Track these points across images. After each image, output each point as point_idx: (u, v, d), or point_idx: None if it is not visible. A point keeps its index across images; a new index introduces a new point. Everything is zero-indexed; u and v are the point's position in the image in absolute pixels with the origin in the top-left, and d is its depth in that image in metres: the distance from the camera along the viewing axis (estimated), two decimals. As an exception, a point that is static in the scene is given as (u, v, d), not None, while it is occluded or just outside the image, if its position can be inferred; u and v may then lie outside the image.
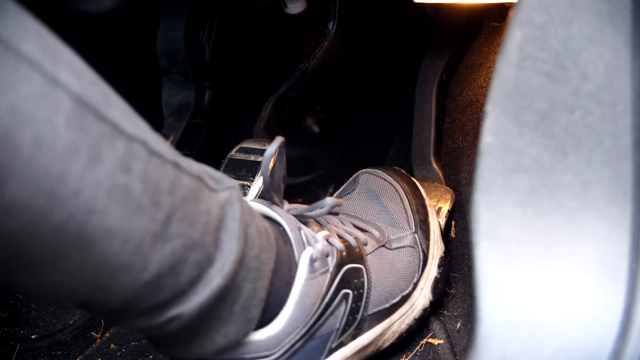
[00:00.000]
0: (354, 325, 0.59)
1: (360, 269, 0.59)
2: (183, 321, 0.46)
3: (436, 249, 0.68)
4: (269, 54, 1.11)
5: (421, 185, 0.72)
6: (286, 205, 0.58)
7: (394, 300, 0.63)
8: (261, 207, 0.56)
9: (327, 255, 0.56)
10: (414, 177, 0.75)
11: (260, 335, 0.51)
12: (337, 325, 0.57)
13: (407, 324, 0.65)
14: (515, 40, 0.39)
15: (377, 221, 0.67)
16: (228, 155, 0.76)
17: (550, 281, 0.36)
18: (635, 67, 0.38)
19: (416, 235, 0.66)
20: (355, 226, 0.65)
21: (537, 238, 0.37)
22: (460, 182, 0.77)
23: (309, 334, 0.55)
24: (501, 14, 0.80)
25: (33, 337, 0.75)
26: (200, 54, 0.95)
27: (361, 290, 0.59)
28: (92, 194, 0.36)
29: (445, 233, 0.76)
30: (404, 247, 0.65)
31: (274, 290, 0.52)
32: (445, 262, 0.68)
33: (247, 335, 0.51)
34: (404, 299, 0.64)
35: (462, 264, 0.72)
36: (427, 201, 0.70)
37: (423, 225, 0.67)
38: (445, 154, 0.85)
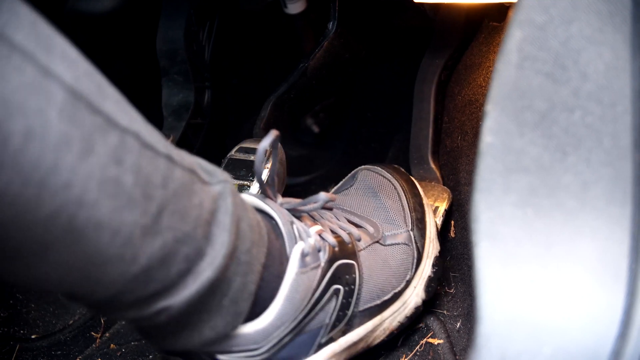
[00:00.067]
0: (344, 321, 0.59)
1: (352, 264, 0.59)
2: (172, 313, 0.46)
3: (431, 248, 0.68)
4: (269, 54, 1.11)
5: (419, 184, 0.72)
6: (280, 199, 0.58)
7: (386, 297, 0.63)
8: (254, 201, 0.56)
9: (319, 250, 0.56)
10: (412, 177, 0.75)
11: (249, 329, 0.51)
12: (327, 321, 0.57)
13: (399, 322, 0.65)
14: (515, 40, 0.39)
15: (373, 217, 0.67)
16: (228, 155, 0.76)
17: (550, 281, 0.36)
18: (635, 67, 0.38)
19: (412, 233, 0.66)
20: (349, 221, 0.65)
21: (537, 238, 0.37)
22: (459, 182, 0.77)
23: (298, 329, 0.55)
24: (501, 13, 0.80)
25: (33, 337, 0.75)
26: (200, 54, 0.95)
27: (352, 286, 0.59)
28: (83, 186, 0.36)
29: (441, 232, 0.76)
30: (398, 244, 0.65)
31: (264, 284, 0.52)
32: (440, 262, 0.68)
33: (235, 329, 0.51)
34: (396, 296, 0.64)
35: (461, 263, 0.72)
36: (425, 200, 0.70)
37: (419, 223, 0.67)
38: (444, 153, 0.85)
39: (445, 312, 0.70)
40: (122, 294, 0.43)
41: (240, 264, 0.48)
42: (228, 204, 0.47)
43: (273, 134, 0.53)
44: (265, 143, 0.53)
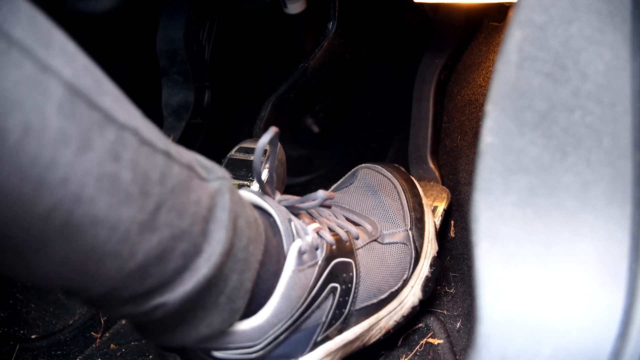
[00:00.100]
0: (341, 319, 0.59)
1: (349, 263, 0.59)
2: (168, 309, 0.46)
3: (429, 248, 0.68)
4: (269, 54, 1.11)
5: (418, 184, 0.72)
6: (278, 195, 0.58)
7: (383, 296, 0.62)
8: (252, 197, 0.56)
9: (317, 248, 0.56)
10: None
11: (245, 326, 0.51)
12: (324, 319, 0.57)
13: (395, 321, 0.65)
14: (515, 40, 0.39)
15: (372, 215, 0.66)
16: (228, 155, 0.76)
17: (550, 281, 0.36)
18: (635, 67, 0.38)
19: (410, 233, 0.66)
20: (348, 219, 0.65)
21: (537, 238, 0.37)
22: (459, 182, 0.77)
23: (294, 327, 0.55)
24: (501, 13, 0.80)
25: (33, 337, 0.75)
26: (200, 54, 0.95)
27: (349, 285, 0.59)
28: (81, 182, 0.36)
29: (441, 232, 0.76)
30: (396, 243, 0.65)
31: (260, 281, 0.52)
32: (438, 262, 0.68)
33: (231, 326, 0.51)
34: (393, 295, 0.64)
35: (461, 263, 0.72)
36: (424, 200, 0.70)
37: (418, 223, 0.67)
38: (443, 153, 0.85)
39: (445, 312, 0.70)
40: (119, 289, 0.43)
41: (237, 261, 0.48)
42: (226, 200, 0.47)
43: (272, 131, 0.53)
44: (264, 140, 0.53)
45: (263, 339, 0.53)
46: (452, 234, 0.76)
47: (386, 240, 0.64)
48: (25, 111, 0.33)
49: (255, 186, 0.71)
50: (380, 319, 0.63)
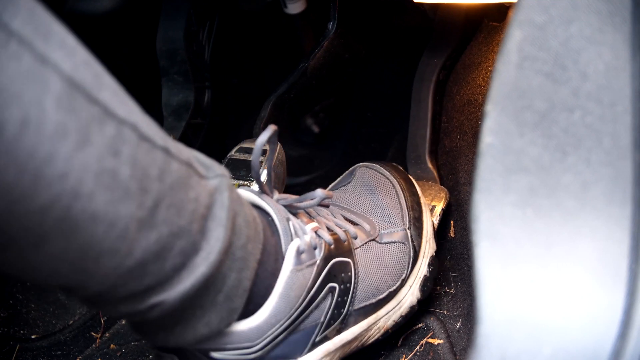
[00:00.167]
0: (339, 319, 0.59)
1: (348, 262, 0.59)
2: (165, 308, 0.45)
3: (428, 247, 0.67)
4: (269, 54, 1.11)
5: (416, 183, 0.72)
6: (276, 195, 0.57)
7: (381, 296, 0.62)
8: (250, 196, 0.55)
9: (315, 248, 0.56)
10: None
11: (243, 326, 0.51)
12: (322, 319, 0.57)
13: (394, 321, 0.65)
14: (515, 40, 0.39)
15: (370, 215, 0.66)
16: (228, 155, 0.76)
17: (550, 281, 0.36)
18: (634, 67, 0.38)
19: (409, 232, 0.66)
20: (346, 219, 0.64)
21: (537, 238, 0.37)
22: (458, 182, 0.77)
23: (293, 327, 0.55)
24: (500, 13, 0.80)
25: (33, 337, 0.75)
26: (200, 54, 0.95)
27: (348, 285, 0.59)
28: (79, 177, 0.36)
29: (441, 232, 0.76)
30: (394, 242, 0.65)
31: (258, 280, 0.52)
32: (436, 262, 0.68)
33: (229, 325, 0.50)
34: (391, 295, 0.63)
35: (461, 263, 0.72)
36: (422, 199, 0.70)
37: (417, 222, 0.67)
38: (442, 153, 0.85)
39: (445, 312, 0.70)
40: (116, 287, 0.42)
41: (236, 259, 0.48)
42: (224, 198, 0.47)
43: (271, 129, 0.53)
44: (262, 138, 0.52)
45: (261, 339, 0.53)
46: (452, 234, 0.76)
47: (384, 240, 0.64)
48: (23, 104, 0.33)
49: (255, 186, 0.72)
50: (379, 319, 0.63)
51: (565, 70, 0.38)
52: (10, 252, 0.38)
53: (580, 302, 0.36)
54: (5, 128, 0.32)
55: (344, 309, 0.59)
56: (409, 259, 0.65)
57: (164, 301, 0.45)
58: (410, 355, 0.68)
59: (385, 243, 0.64)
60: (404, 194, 0.68)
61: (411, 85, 0.89)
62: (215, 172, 0.48)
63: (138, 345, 0.74)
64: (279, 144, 0.73)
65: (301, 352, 0.57)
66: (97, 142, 0.37)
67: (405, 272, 0.65)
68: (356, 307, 0.60)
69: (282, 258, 0.53)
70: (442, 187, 0.79)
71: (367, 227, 0.64)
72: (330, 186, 0.73)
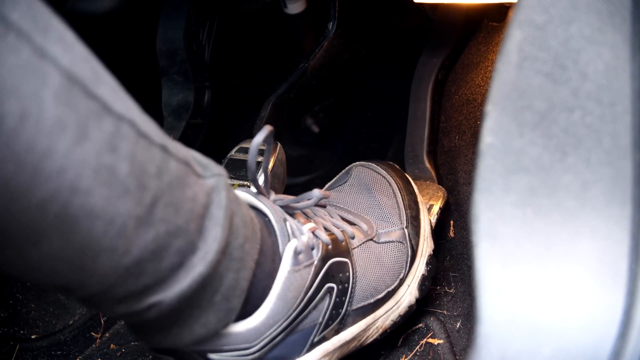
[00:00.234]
0: (338, 320, 0.59)
1: (345, 262, 0.59)
2: (163, 309, 0.45)
3: (425, 246, 0.67)
4: (269, 54, 1.11)
5: (414, 182, 0.72)
6: (273, 195, 0.57)
7: (379, 296, 0.62)
8: (247, 197, 0.55)
9: (313, 248, 0.55)
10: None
11: (240, 327, 0.51)
12: (320, 320, 0.57)
13: (392, 320, 0.65)
14: (515, 40, 0.39)
15: (367, 214, 0.66)
16: (228, 155, 0.76)
17: (550, 281, 0.36)
18: (634, 67, 0.38)
19: (406, 231, 0.66)
20: (343, 219, 0.64)
21: (537, 238, 0.37)
22: (457, 181, 0.77)
23: (291, 328, 0.54)
24: (500, 13, 0.80)
25: (33, 337, 0.75)
26: (200, 54, 0.95)
27: (346, 285, 0.59)
28: (77, 172, 0.36)
29: (441, 232, 0.76)
30: (392, 241, 0.64)
31: (256, 281, 0.51)
32: (434, 261, 0.68)
33: (226, 326, 0.50)
34: (390, 294, 0.63)
35: (461, 263, 0.72)
36: (420, 198, 0.70)
37: (414, 221, 0.67)
38: (441, 153, 0.85)
39: (445, 312, 0.70)
40: (114, 287, 0.42)
41: (233, 259, 0.48)
42: (222, 198, 0.47)
43: (266, 129, 0.52)
44: (258, 139, 0.52)
45: (259, 340, 0.52)
46: (451, 234, 0.76)
47: (382, 239, 0.64)
48: (22, 97, 0.33)
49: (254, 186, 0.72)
50: (377, 319, 0.63)
51: (565, 70, 0.38)
52: (10, 251, 0.37)
53: (580, 302, 0.36)
54: (3, 121, 0.32)
55: (342, 309, 0.59)
56: (407, 258, 0.65)
57: (161, 301, 0.45)
58: (410, 355, 0.68)
59: (383, 242, 0.64)
60: (401, 192, 0.68)
61: (410, 85, 0.89)
62: (212, 172, 0.47)
63: (138, 345, 0.74)
64: (279, 144, 0.73)
65: (299, 353, 0.57)
66: (96, 137, 0.36)
67: (403, 271, 0.64)
68: (354, 307, 0.60)
69: (280, 259, 0.53)
70: (440, 186, 0.79)
71: (364, 226, 0.64)
72: (327, 186, 0.73)
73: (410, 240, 0.65)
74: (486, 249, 0.37)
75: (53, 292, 0.78)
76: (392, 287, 0.63)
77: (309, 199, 0.57)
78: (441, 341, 0.67)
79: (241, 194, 0.55)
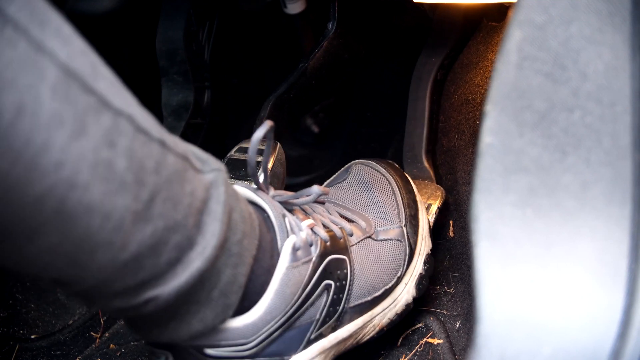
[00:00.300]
0: (335, 317, 0.59)
1: (343, 260, 0.59)
2: (160, 303, 0.45)
3: (424, 245, 0.67)
4: (269, 54, 1.11)
5: (412, 182, 0.72)
6: (272, 191, 0.57)
7: (377, 294, 0.62)
8: (246, 192, 0.55)
9: (311, 245, 0.55)
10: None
11: (238, 323, 0.51)
12: (317, 317, 0.57)
13: (389, 319, 0.65)
14: (515, 40, 0.39)
15: (366, 212, 0.66)
16: (227, 155, 0.76)
17: (550, 281, 0.36)
18: (634, 67, 0.38)
19: (405, 229, 0.66)
20: (341, 216, 0.64)
21: (537, 238, 0.37)
22: (457, 181, 0.77)
23: (288, 324, 0.54)
24: (500, 13, 0.80)
25: (32, 337, 0.75)
26: (200, 54, 0.95)
27: (344, 282, 0.59)
28: (75, 167, 0.35)
29: (439, 232, 0.76)
30: (390, 239, 0.64)
31: (254, 277, 0.51)
32: (432, 260, 0.68)
33: (224, 322, 0.50)
34: (387, 292, 0.63)
35: (461, 263, 0.72)
36: (419, 197, 0.70)
37: (413, 220, 0.67)
38: (440, 152, 0.85)
39: (444, 312, 0.70)
40: (111, 281, 0.42)
41: (231, 255, 0.48)
42: (220, 193, 0.46)
43: (267, 125, 0.52)
44: (258, 134, 0.52)
45: (256, 336, 0.52)
46: (451, 234, 0.76)
47: (380, 237, 0.64)
48: (19, 91, 0.33)
49: (254, 186, 0.71)
50: (374, 317, 0.63)
51: (565, 70, 0.38)
52: (6, 245, 0.37)
53: (580, 302, 0.36)
54: (0, 115, 0.32)
55: (340, 306, 0.59)
56: (405, 256, 0.65)
57: (158, 296, 0.44)
58: (410, 355, 0.68)
59: (381, 240, 0.64)
60: (400, 191, 0.68)
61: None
62: (211, 167, 0.47)
63: (137, 345, 0.74)
64: (278, 143, 0.73)
65: (296, 349, 0.57)
66: (93, 132, 0.36)
67: (401, 269, 0.64)
68: (352, 304, 0.60)
69: (278, 255, 0.53)
70: (438, 186, 0.79)
71: (363, 224, 0.64)
72: (326, 183, 0.73)
73: (408, 239, 0.65)
74: (486, 249, 0.37)
75: (53, 291, 0.78)
76: (390, 285, 0.63)
77: (308, 195, 0.57)
78: (441, 341, 0.67)
79: (240, 189, 0.55)
